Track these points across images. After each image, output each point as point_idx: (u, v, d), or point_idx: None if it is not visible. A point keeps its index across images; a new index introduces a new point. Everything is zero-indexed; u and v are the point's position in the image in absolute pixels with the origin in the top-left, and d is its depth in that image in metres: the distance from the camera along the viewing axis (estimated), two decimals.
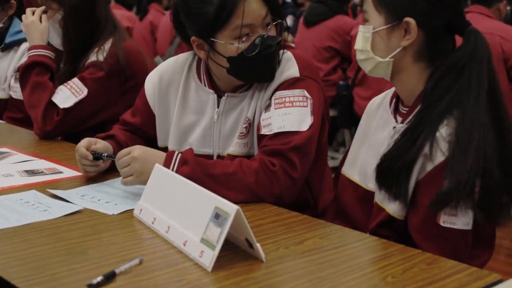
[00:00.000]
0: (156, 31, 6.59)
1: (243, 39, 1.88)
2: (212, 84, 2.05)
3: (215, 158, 2.02)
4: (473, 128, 1.58)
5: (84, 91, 2.53)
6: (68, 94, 2.54)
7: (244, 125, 1.97)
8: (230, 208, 1.39)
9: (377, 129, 1.84)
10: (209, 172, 1.82)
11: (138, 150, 1.87)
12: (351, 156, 1.91)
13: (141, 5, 7.04)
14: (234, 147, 1.98)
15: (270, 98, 1.93)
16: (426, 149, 1.60)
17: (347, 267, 1.41)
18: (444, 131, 1.60)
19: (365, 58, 1.76)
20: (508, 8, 4.63)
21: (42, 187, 1.94)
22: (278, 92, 1.92)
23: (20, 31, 2.95)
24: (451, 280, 1.34)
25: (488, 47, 1.69)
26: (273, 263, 1.42)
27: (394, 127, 1.76)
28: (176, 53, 5.88)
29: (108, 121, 2.61)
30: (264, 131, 1.90)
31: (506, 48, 4.00)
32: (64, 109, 2.52)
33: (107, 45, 2.58)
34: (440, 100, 1.64)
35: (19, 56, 3.03)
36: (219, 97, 2.03)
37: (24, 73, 2.60)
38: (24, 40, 3.01)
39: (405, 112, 1.77)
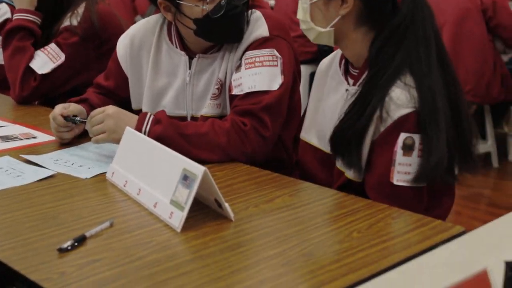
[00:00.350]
0: None
1: (207, 1, 1.88)
2: (184, 45, 2.05)
3: (188, 119, 2.04)
4: (436, 100, 1.60)
5: (62, 57, 2.53)
6: (45, 60, 2.53)
7: (216, 86, 1.98)
8: (198, 169, 1.41)
9: (330, 92, 1.84)
10: (182, 132, 1.83)
11: (112, 109, 1.88)
12: (308, 120, 1.92)
13: None
14: (207, 108, 1.99)
15: (241, 59, 1.94)
16: (378, 113, 1.62)
17: (314, 224, 1.43)
18: (394, 94, 1.60)
19: (307, 28, 1.76)
20: None
21: (16, 153, 1.95)
22: (248, 52, 1.93)
23: None
24: (415, 234, 1.37)
25: (429, 6, 1.68)
26: (242, 222, 1.45)
27: (347, 90, 1.77)
28: (157, 12, 5.85)
29: (84, 85, 2.59)
30: (235, 91, 1.91)
31: None
32: (42, 74, 2.52)
33: (81, 9, 2.56)
34: (387, 66, 1.64)
35: None
36: (191, 58, 2.03)
37: (7, 36, 2.59)
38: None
39: (355, 74, 1.77)
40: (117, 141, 1.81)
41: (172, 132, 1.82)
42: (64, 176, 1.77)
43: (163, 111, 1.91)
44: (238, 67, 1.93)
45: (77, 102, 2.12)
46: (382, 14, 1.70)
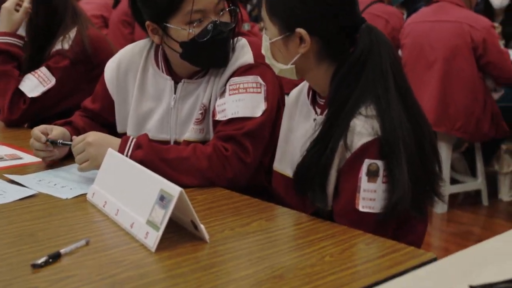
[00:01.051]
0: (130, 17, 6.55)
1: (194, 25, 1.91)
2: (170, 70, 2.08)
3: (171, 143, 2.05)
4: (397, 130, 1.61)
5: (52, 80, 2.56)
6: (35, 83, 2.56)
7: (200, 111, 2.00)
8: (174, 190, 1.43)
9: (299, 122, 1.86)
10: (163, 156, 1.85)
11: (92, 136, 1.90)
12: (280, 151, 1.93)
13: None
14: (190, 133, 2.01)
15: (225, 85, 1.97)
16: (341, 142, 1.63)
17: (287, 248, 1.45)
18: (356, 125, 1.62)
19: (270, 63, 1.79)
20: None
21: (0, 173, 1.96)
22: (232, 79, 1.96)
23: None
24: (387, 259, 1.38)
25: (386, 40, 1.71)
26: (217, 244, 1.46)
27: (315, 119, 1.79)
28: None
29: (74, 108, 2.62)
30: (218, 117, 1.93)
31: (474, 36, 4.04)
32: (31, 98, 2.54)
33: (72, 33, 2.60)
34: (347, 99, 1.66)
35: None
36: (176, 83, 2.06)
37: None
38: None
39: (322, 103, 1.79)
40: (100, 167, 1.83)
41: (153, 156, 1.84)
42: (45, 196, 1.79)
43: (145, 135, 1.93)
44: (222, 93, 1.96)
45: (61, 124, 2.14)
46: (341, 49, 1.72)
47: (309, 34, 1.68)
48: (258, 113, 1.90)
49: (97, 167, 1.85)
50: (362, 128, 1.62)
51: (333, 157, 1.65)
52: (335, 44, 1.72)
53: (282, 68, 1.76)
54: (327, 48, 1.72)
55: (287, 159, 1.88)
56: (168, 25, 1.94)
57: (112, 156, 1.75)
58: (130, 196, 1.58)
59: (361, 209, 1.62)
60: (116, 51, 2.72)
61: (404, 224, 1.70)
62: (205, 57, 1.97)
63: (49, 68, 2.57)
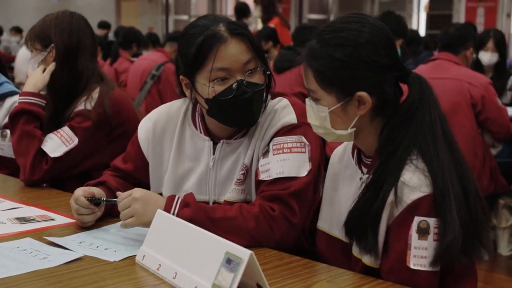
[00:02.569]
0: (120, 77, 6.60)
1: (215, 82, 1.91)
2: (207, 130, 2.07)
3: (210, 204, 2.03)
4: (447, 184, 1.63)
5: (75, 140, 2.53)
6: (58, 143, 2.53)
7: (242, 172, 1.99)
8: (243, 253, 1.41)
9: (345, 182, 1.87)
10: (210, 216, 1.83)
11: (139, 192, 1.88)
12: (325, 211, 1.93)
13: (109, 51, 7.08)
14: (231, 193, 1.99)
15: (268, 145, 1.96)
16: (391, 197, 1.65)
17: None
18: (406, 178, 1.64)
19: (325, 132, 1.78)
20: (474, 55, 4.77)
21: (36, 235, 1.92)
22: (276, 138, 1.95)
23: (2, 83, 2.95)
24: None
25: (432, 91, 1.74)
26: None
27: (361, 178, 1.80)
28: (146, 100, 5.92)
29: (93, 168, 2.60)
30: (262, 177, 1.92)
31: (474, 93, 4.12)
32: (54, 158, 2.51)
33: (95, 94, 2.58)
34: (396, 150, 1.68)
35: (4, 114, 2.94)
36: (215, 143, 2.05)
37: (13, 120, 2.58)
38: (8, 94, 2.98)
39: (369, 163, 1.81)
40: (146, 224, 1.80)
41: (201, 215, 1.82)
42: (92, 259, 1.74)
43: (191, 194, 1.91)
44: (265, 153, 1.95)
45: (94, 185, 2.11)
46: (394, 101, 1.75)
47: (369, 94, 1.70)
48: (303, 173, 1.90)
49: (143, 223, 1.82)
50: (413, 183, 1.63)
51: (384, 206, 1.65)
52: (390, 97, 1.74)
53: (341, 134, 1.76)
54: (383, 103, 1.74)
55: (333, 219, 1.88)
56: (195, 80, 1.95)
57: (162, 216, 1.72)
58: (189, 259, 1.55)
59: (412, 266, 1.62)
60: (137, 111, 2.73)
61: (455, 282, 1.70)
62: (229, 115, 1.96)
63: (72, 128, 2.54)
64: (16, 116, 2.58)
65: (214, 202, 2.03)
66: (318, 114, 1.76)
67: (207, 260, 1.48)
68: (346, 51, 1.70)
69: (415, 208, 1.62)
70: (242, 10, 8.20)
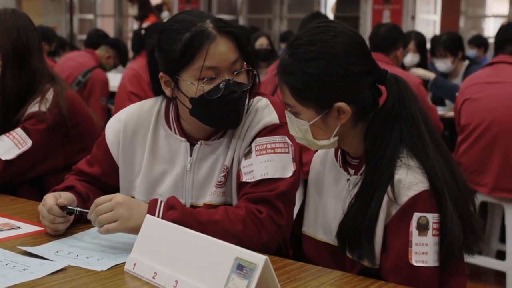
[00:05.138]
0: None
1: (204, 81, 1.85)
2: (183, 131, 2.00)
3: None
4: (441, 178, 1.66)
5: (28, 143, 2.39)
6: (10, 145, 2.38)
7: (222, 174, 1.93)
8: (257, 258, 1.36)
9: (329, 185, 1.86)
10: (197, 219, 1.77)
11: (121, 196, 1.80)
12: (310, 215, 1.91)
13: None
14: (211, 196, 1.93)
15: (250, 145, 1.91)
16: (386, 197, 1.65)
17: None
18: (400, 176, 1.65)
19: (308, 144, 1.78)
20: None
21: (5, 244, 1.80)
22: (258, 139, 1.90)
23: None
24: None
25: (410, 89, 1.75)
26: None
27: (348, 180, 1.80)
28: None
29: (47, 173, 2.48)
30: (245, 178, 1.87)
31: None
32: (6, 161, 2.37)
33: (50, 95, 2.45)
34: (384, 153, 1.69)
35: None
36: (192, 145, 1.98)
37: None
38: None
39: (356, 163, 1.80)
40: (130, 230, 1.73)
41: (188, 217, 1.76)
42: (76, 269, 1.65)
43: (174, 197, 1.84)
44: (247, 154, 1.90)
45: (62, 190, 2.00)
46: (374, 105, 1.76)
47: (347, 103, 1.69)
48: (288, 173, 1.86)
49: (127, 229, 1.75)
50: (408, 181, 1.64)
51: (379, 211, 1.65)
52: (369, 102, 1.74)
53: (324, 144, 1.75)
54: (363, 108, 1.73)
55: (318, 222, 1.86)
56: (180, 78, 1.87)
57: (152, 222, 1.65)
58: (192, 266, 1.49)
59: (414, 263, 1.62)
60: (91, 112, 2.62)
61: (447, 278, 1.71)
62: (215, 115, 1.90)
63: (25, 130, 2.40)
64: None
65: (192, 206, 1.96)
66: (299, 127, 1.75)
67: (213, 267, 1.43)
68: (320, 65, 1.68)
69: (414, 204, 1.63)
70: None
